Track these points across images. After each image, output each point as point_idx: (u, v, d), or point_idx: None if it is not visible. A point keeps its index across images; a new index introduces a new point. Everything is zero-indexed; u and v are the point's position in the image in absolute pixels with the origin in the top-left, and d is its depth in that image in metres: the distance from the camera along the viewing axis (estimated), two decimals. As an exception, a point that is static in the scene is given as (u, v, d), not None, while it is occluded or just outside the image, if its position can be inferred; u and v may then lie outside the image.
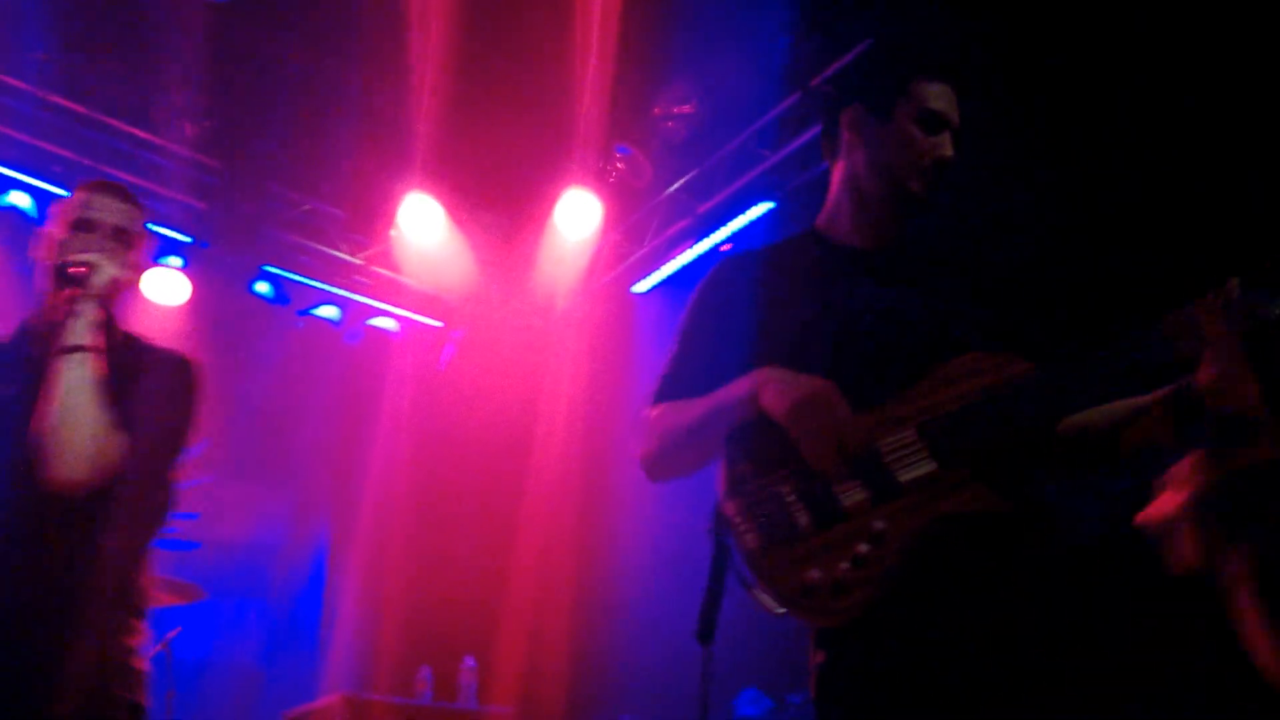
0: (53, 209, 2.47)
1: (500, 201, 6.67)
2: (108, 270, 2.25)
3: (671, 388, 2.01)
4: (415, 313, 7.41)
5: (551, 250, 6.61)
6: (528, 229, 6.64)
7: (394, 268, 6.96)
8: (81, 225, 2.33)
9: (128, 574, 2.28)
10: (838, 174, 2.14)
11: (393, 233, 6.67)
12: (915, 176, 1.99)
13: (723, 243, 6.17)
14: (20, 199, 6.04)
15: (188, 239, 6.45)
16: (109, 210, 2.37)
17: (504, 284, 7.11)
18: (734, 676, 5.01)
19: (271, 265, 6.71)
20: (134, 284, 2.47)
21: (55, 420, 2.11)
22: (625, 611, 5.96)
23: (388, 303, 7.23)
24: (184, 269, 6.46)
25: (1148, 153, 3.68)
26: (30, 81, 5.78)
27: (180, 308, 6.50)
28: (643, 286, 6.84)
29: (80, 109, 5.93)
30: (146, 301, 6.52)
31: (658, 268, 6.70)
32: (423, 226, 6.49)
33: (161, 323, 6.60)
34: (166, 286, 6.41)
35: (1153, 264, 3.37)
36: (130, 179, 6.18)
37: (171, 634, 5.16)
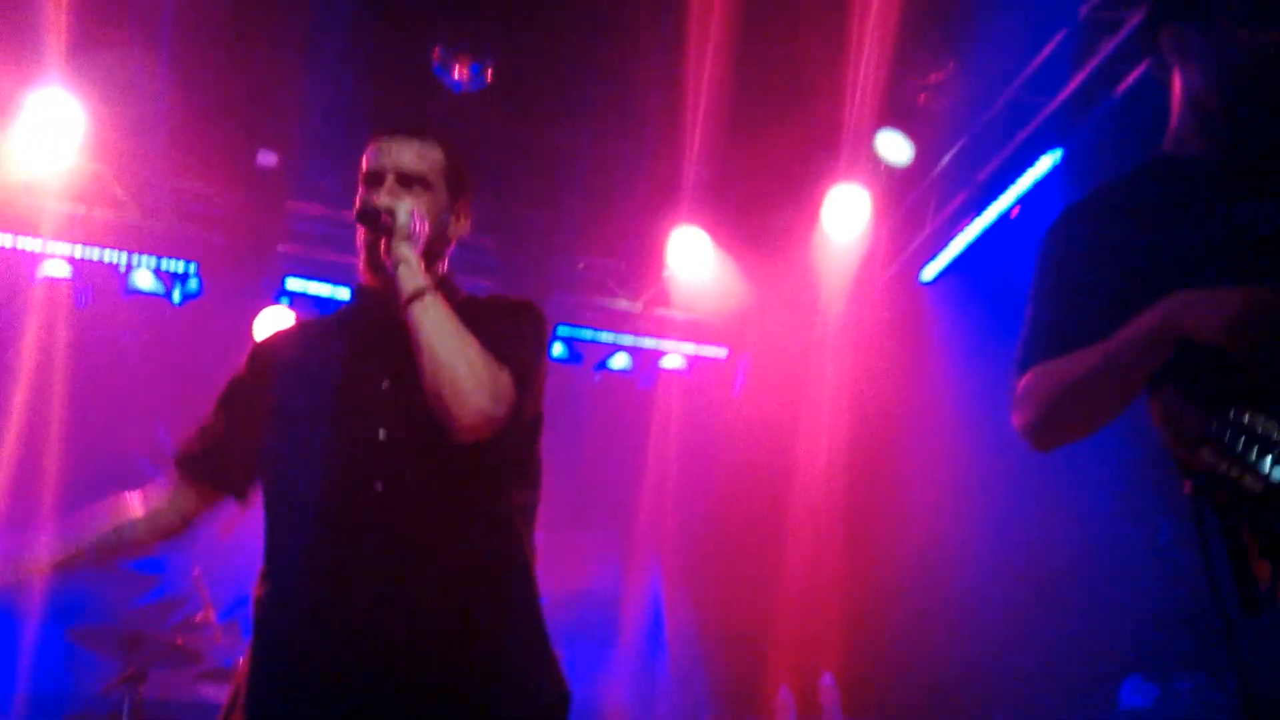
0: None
1: (766, 216, 6.60)
2: (405, 208, 2.09)
3: (1042, 348, 1.84)
4: (700, 344, 7.48)
5: (826, 254, 6.47)
6: (797, 239, 6.53)
7: (674, 305, 7.07)
8: (371, 179, 2.20)
9: (526, 539, 2.12)
10: (1175, 95, 1.96)
11: (666, 272, 6.79)
12: (1257, 79, 1.80)
13: (1010, 208, 5.79)
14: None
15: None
16: (392, 154, 2.20)
17: (782, 300, 7.04)
18: (1113, 665, 4.68)
19: (563, 324, 6.99)
20: (459, 227, 2.32)
21: (438, 362, 1.93)
22: (978, 613, 5.68)
23: (672, 339, 7.33)
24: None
25: None
26: (327, 205, 6.35)
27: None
28: (930, 273, 6.49)
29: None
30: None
31: (942, 248, 6.33)
32: (693, 258, 6.55)
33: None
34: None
35: None
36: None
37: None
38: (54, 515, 6.10)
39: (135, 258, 6.27)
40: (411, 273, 2.02)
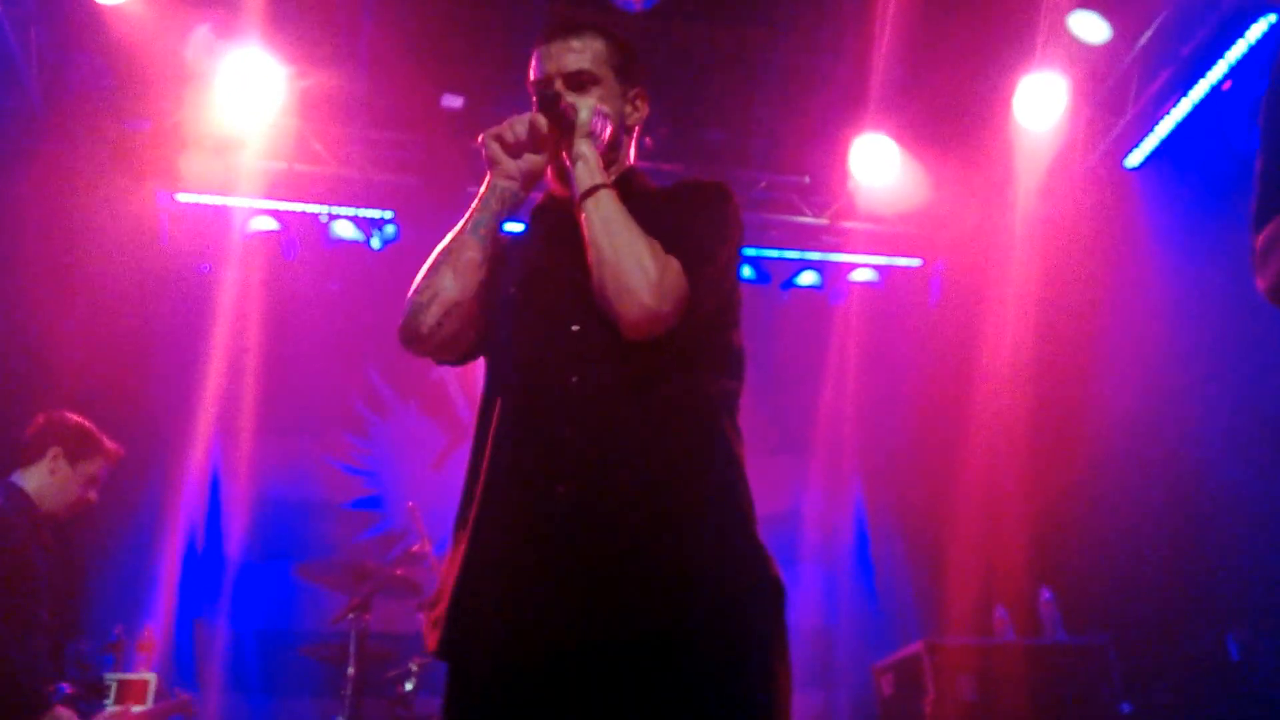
0: None
1: (955, 116, 6.28)
2: (587, 104, 2.06)
3: (1277, 199, 1.67)
4: (892, 256, 7.25)
5: (1021, 149, 6.11)
6: (989, 137, 6.19)
7: (861, 218, 6.86)
8: (540, 84, 2.13)
9: (728, 427, 1.99)
10: None
11: (851, 184, 6.58)
12: None
13: (1222, 81, 5.32)
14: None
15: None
16: (553, 58, 2.13)
17: (977, 202, 6.72)
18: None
19: (748, 247, 6.89)
20: (638, 114, 2.24)
21: (603, 259, 1.88)
22: (1199, 519, 5.34)
23: (863, 253, 7.13)
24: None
25: None
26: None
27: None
28: (1135, 159, 6.05)
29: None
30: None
31: (1148, 133, 5.89)
32: (880, 167, 6.32)
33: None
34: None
35: None
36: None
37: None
38: (274, 450, 6.52)
39: (335, 210, 6.53)
40: (589, 170, 1.99)
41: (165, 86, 5.64)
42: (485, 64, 5.76)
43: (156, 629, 5.45)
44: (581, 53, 2.14)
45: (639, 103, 2.24)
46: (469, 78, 5.91)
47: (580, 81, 2.12)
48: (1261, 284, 1.66)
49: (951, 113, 6.27)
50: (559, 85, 2.10)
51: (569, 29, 2.17)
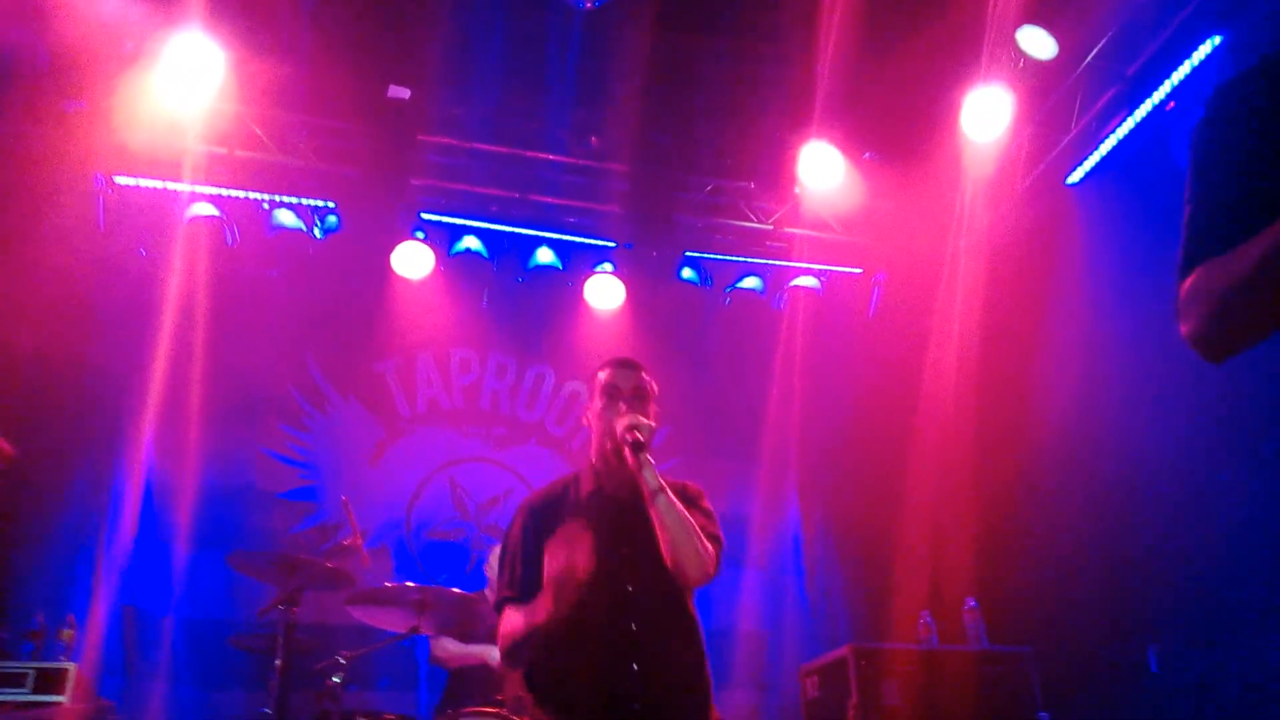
0: (592, 383, 3.16)
1: (901, 127, 6.34)
2: (650, 429, 2.93)
3: (1204, 246, 1.65)
4: (834, 265, 7.31)
5: (965, 162, 6.18)
6: (934, 148, 6.25)
7: (805, 225, 6.91)
8: (613, 391, 3.06)
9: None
10: None
11: (797, 190, 6.62)
12: None
13: (1165, 101, 5.41)
14: (471, 242, 6.73)
15: (613, 244, 6.83)
16: (628, 379, 3.08)
17: (919, 213, 6.79)
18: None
19: (692, 250, 6.92)
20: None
21: (677, 539, 2.81)
22: (1125, 533, 5.44)
23: (805, 260, 7.19)
24: (615, 272, 6.85)
25: None
26: (457, 136, 6.39)
27: (618, 309, 6.92)
28: (1077, 176, 6.14)
29: (500, 149, 6.47)
30: (588, 307, 7.02)
31: (1091, 151, 5.97)
32: (825, 175, 6.36)
33: (603, 326, 7.08)
34: (603, 292, 6.84)
35: None
36: (552, 201, 6.68)
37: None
38: (208, 439, 6.44)
39: (277, 198, 6.47)
40: (653, 474, 2.85)
41: (104, 67, 5.55)
42: (432, 55, 5.74)
43: (82, 617, 5.37)
44: (643, 382, 3.10)
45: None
46: (415, 68, 5.88)
47: (641, 399, 3.06)
48: (1184, 329, 1.66)
49: (898, 125, 6.34)
50: (629, 395, 3.05)
51: (635, 364, 3.14)
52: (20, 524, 5.71)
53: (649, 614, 2.88)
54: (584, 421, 3.23)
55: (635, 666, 2.79)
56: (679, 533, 2.83)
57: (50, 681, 4.79)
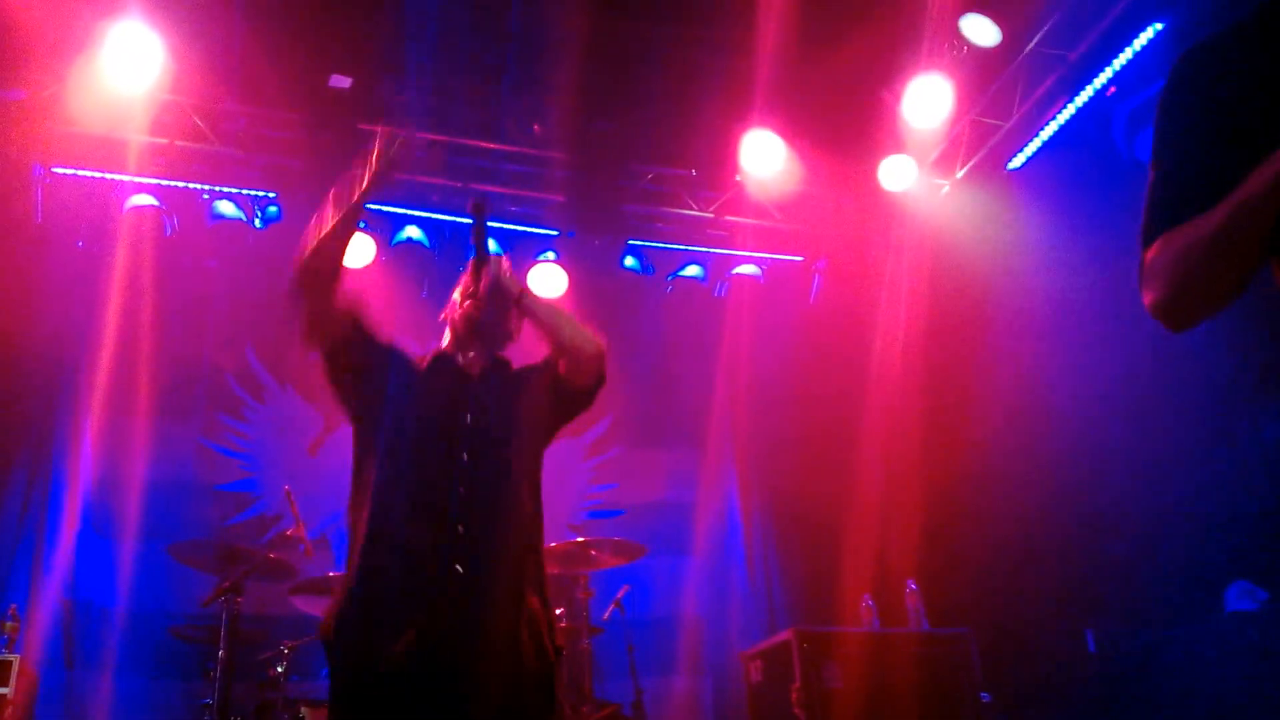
0: None
1: (842, 115, 6.39)
2: (504, 262, 2.90)
3: (1167, 215, 1.64)
4: (774, 253, 7.37)
5: (906, 150, 6.25)
6: (875, 136, 6.33)
7: (746, 212, 6.96)
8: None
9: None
10: None
11: (739, 178, 6.67)
12: None
13: (1106, 87, 5.48)
14: (413, 231, 6.72)
15: (555, 232, 6.84)
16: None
17: (859, 201, 6.87)
18: (1218, 569, 4.53)
19: (634, 239, 6.95)
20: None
21: (557, 323, 2.82)
22: (1069, 517, 5.55)
23: (746, 249, 7.25)
24: (557, 261, 6.86)
25: None
26: (398, 125, 6.36)
27: (560, 298, 6.93)
28: (1018, 162, 6.23)
29: (441, 138, 6.45)
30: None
31: (1033, 137, 6.06)
32: (767, 164, 6.42)
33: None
34: (546, 281, 6.85)
35: None
36: (496, 189, 6.67)
37: (622, 592, 5.50)
38: (149, 430, 6.38)
39: (217, 188, 6.41)
40: (512, 279, 2.85)
41: (42, 56, 5.47)
42: (373, 45, 5.72)
43: (24, 609, 5.32)
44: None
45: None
46: (356, 58, 5.85)
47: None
48: (1147, 299, 1.66)
49: (839, 113, 6.40)
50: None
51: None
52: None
53: (483, 483, 2.68)
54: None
55: (461, 529, 2.58)
56: (556, 317, 2.86)
57: (-7, 673, 4.75)
